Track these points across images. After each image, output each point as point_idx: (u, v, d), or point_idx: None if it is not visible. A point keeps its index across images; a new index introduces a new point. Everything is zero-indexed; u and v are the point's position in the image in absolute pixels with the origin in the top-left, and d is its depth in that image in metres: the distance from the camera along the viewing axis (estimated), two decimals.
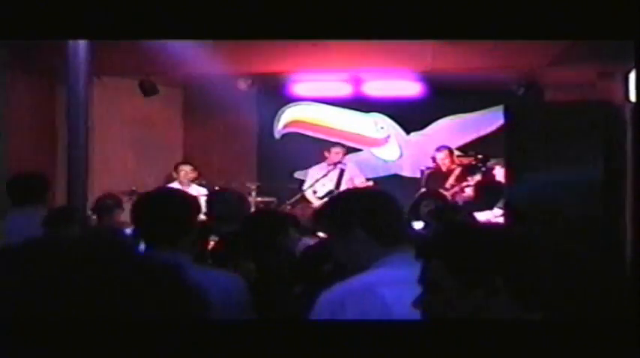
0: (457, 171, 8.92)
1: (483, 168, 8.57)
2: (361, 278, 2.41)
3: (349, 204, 2.61)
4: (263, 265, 3.85)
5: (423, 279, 1.84)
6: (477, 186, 8.19)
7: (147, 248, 3.07)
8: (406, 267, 2.04)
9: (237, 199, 5.47)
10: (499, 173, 8.32)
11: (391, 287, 2.28)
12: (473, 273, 1.77)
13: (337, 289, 2.41)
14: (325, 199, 8.88)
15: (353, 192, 2.95)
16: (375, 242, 2.46)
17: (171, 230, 2.99)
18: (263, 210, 7.89)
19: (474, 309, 1.76)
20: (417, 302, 1.82)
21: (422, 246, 1.94)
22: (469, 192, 8.54)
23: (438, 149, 9.20)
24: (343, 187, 9.03)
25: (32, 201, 5.34)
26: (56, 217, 4.79)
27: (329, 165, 9.31)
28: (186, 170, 9.26)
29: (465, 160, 9.11)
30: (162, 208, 3.03)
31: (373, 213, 2.53)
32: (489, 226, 3.37)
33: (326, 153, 9.42)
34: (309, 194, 9.19)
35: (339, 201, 2.82)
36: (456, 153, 9.52)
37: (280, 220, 4.36)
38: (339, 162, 9.31)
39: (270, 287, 3.75)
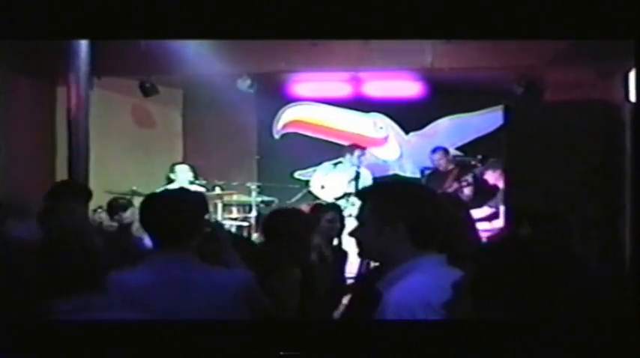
0: (455, 171, 8.94)
1: (480, 168, 8.60)
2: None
3: (397, 196, 2.49)
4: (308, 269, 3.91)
5: None
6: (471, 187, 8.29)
7: (155, 247, 3.08)
8: (434, 273, 2.24)
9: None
10: (490, 176, 8.41)
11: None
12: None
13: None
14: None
15: (401, 184, 2.70)
16: (410, 240, 2.37)
17: (182, 230, 3.00)
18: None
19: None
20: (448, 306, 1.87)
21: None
22: (467, 191, 8.58)
23: (434, 150, 9.19)
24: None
25: None
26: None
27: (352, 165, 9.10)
28: (183, 170, 9.20)
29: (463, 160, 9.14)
30: (174, 209, 3.04)
31: (419, 209, 2.42)
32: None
33: (348, 155, 9.30)
34: (315, 189, 9.11)
35: (387, 190, 2.64)
36: (455, 152, 9.52)
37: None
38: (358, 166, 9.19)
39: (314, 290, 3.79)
